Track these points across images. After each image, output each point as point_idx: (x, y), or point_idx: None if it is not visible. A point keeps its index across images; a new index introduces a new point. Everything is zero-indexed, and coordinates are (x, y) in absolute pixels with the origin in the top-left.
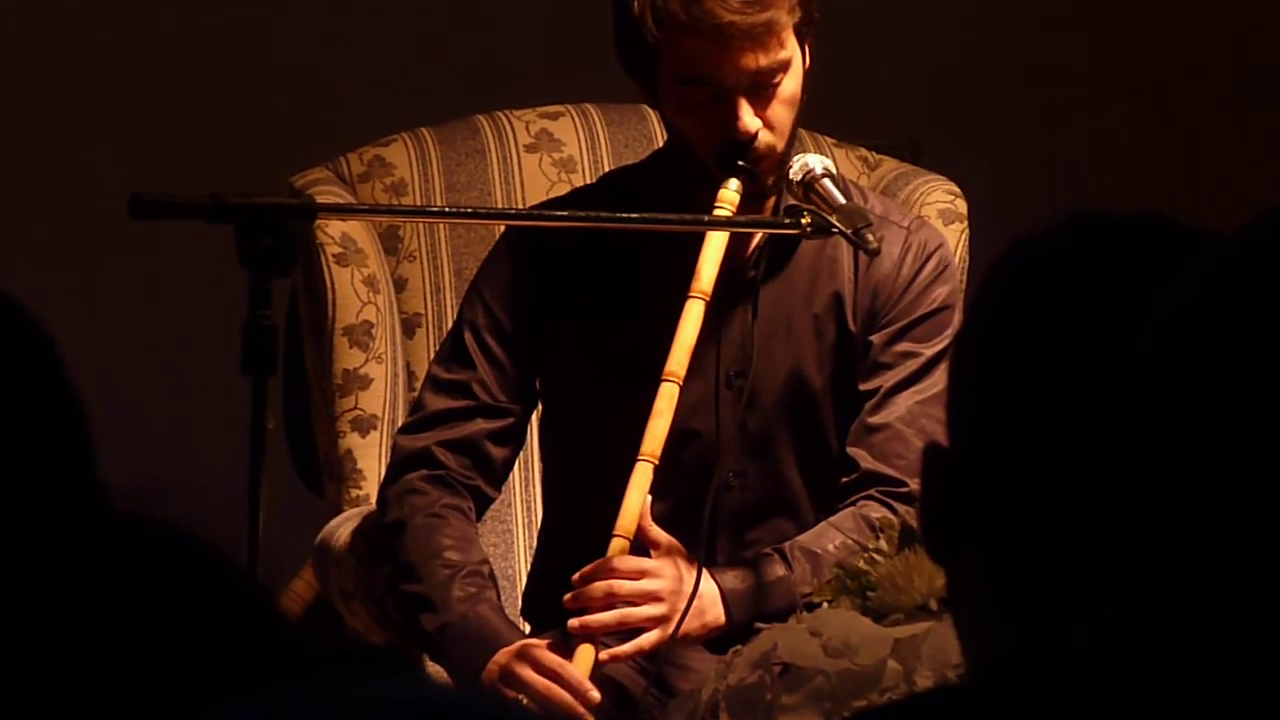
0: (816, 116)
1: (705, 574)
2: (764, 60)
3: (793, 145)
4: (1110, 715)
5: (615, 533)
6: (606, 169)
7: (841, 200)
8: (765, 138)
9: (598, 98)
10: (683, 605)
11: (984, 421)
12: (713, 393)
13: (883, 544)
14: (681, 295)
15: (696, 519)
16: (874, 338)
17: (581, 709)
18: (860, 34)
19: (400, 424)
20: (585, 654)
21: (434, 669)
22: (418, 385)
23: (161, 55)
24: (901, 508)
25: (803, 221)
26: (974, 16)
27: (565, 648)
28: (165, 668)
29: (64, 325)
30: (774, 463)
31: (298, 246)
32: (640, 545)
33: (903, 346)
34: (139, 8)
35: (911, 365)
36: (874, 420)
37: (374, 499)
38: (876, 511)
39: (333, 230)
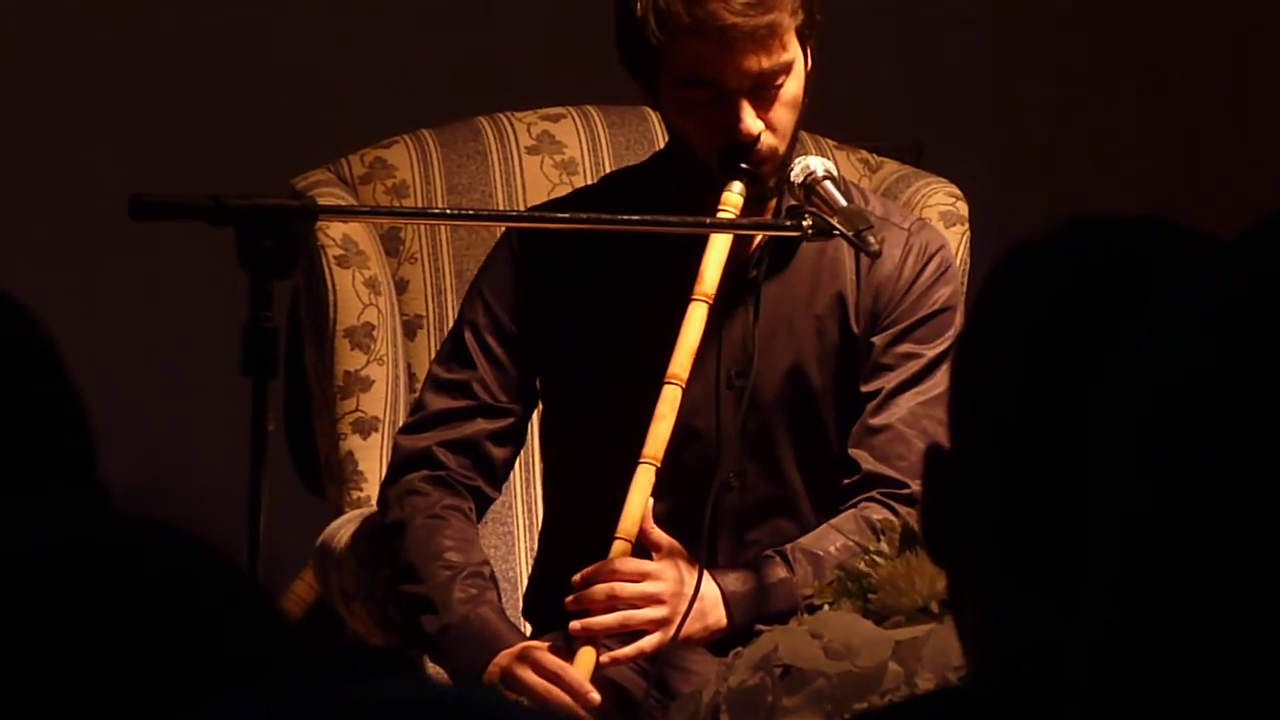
0: (818, 118)
1: (707, 576)
2: (766, 62)
3: (794, 147)
4: (1110, 716)
5: (617, 535)
6: (608, 171)
7: (843, 202)
8: (767, 140)
9: (599, 99)
10: (684, 608)
11: (985, 424)
12: (713, 393)
13: (884, 546)
14: (683, 297)
15: (697, 519)
16: (875, 339)
17: (582, 711)
18: (862, 36)
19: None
20: (586, 656)
21: (434, 670)
22: (419, 387)
23: (162, 56)
24: (903, 509)
25: (804, 224)
26: (975, 18)
27: (566, 650)
28: (165, 668)
29: (64, 326)
30: (774, 463)
31: (299, 248)
32: (642, 548)
33: (904, 348)
34: (139, 8)
35: (913, 366)
36: (875, 421)
37: (375, 501)
38: (878, 513)
39: (334, 232)
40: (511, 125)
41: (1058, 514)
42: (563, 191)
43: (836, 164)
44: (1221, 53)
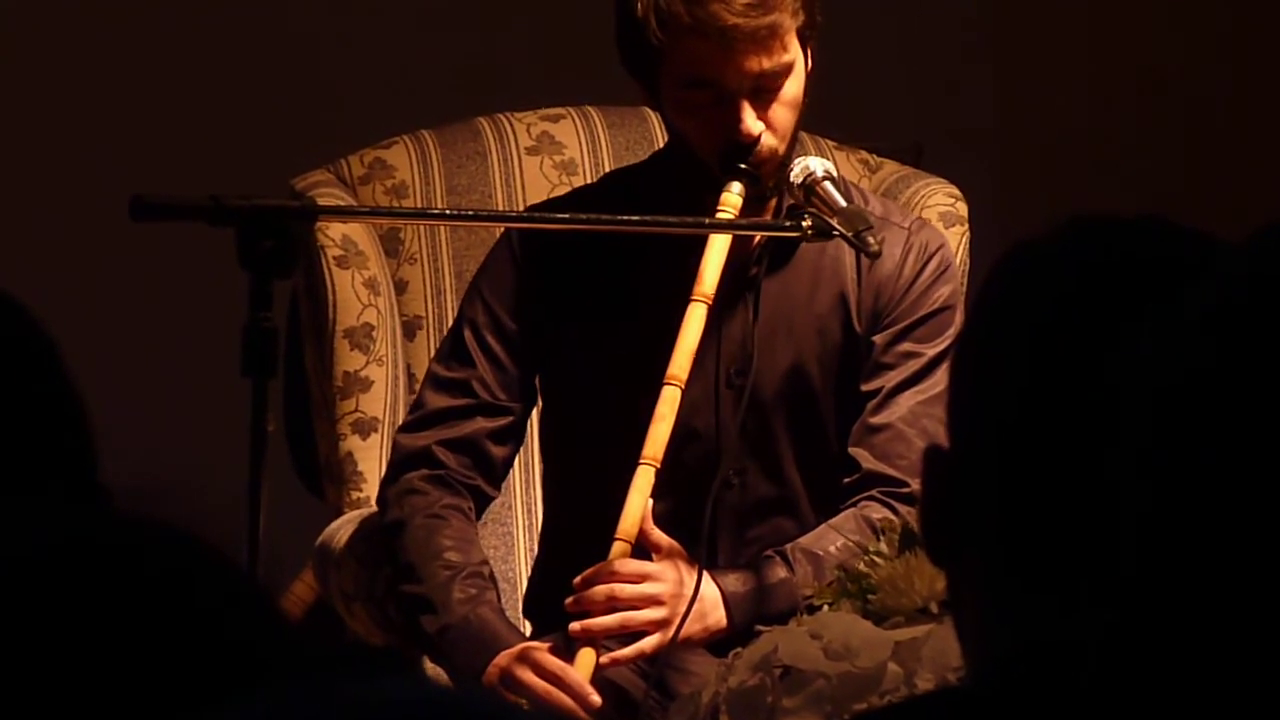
0: (818, 119)
1: (707, 577)
2: (767, 63)
3: (794, 148)
4: (1121, 712)
5: (616, 536)
6: (607, 171)
7: (842, 203)
8: (767, 140)
9: (599, 100)
10: (683, 609)
11: (984, 424)
12: (713, 392)
13: (883, 546)
14: (682, 297)
15: (697, 518)
16: (876, 338)
17: (583, 713)
18: (862, 36)
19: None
20: (586, 657)
21: (434, 670)
22: (418, 388)
23: (162, 56)
24: (903, 508)
25: (803, 224)
26: (975, 19)
27: (566, 651)
28: (166, 668)
29: (65, 326)
30: (774, 461)
31: (298, 249)
32: (642, 549)
33: (905, 347)
34: (139, 9)
35: (913, 365)
36: (876, 420)
37: (374, 501)
38: (878, 512)
39: (334, 232)
40: (511, 126)
41: (1057, 514)
42: (562, 192)
43: (836, 164)
44: (1221, 53)
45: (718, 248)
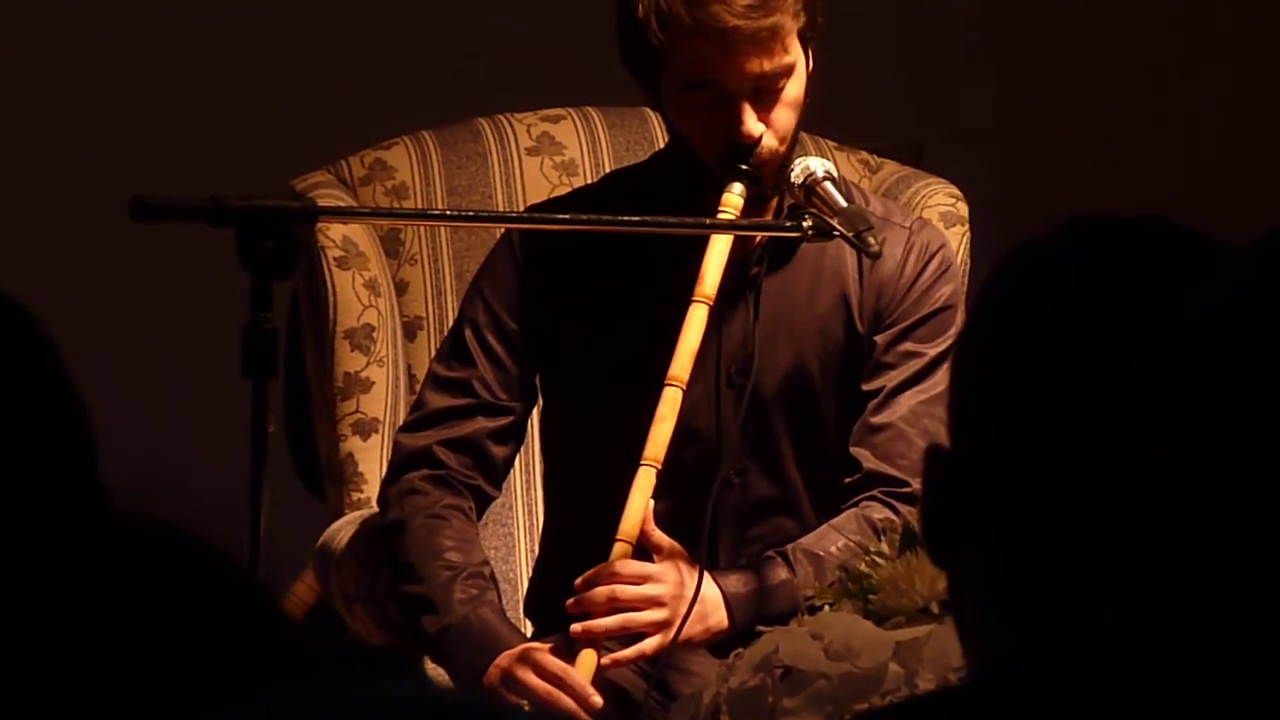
0: (818, 119)
1: (708, 578)
2: (768, 65)
3: (795, 149)
4: (1122, 712)
5: (618, 537)
6: (608, 172)
7: (843, 203)
8: (768, 142)
9: (599, 100)
10: (684, 610)
11: (985, 424)
12: (713, 391)
13: (884, 546)
14: (683, 297)
15: (698, 517)
16: (877, 338)
17: (584, 713)
18: (862, 37)
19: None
20: (587, 659)
21: (434, 671)
22: (419, 388)
23: (163, 57)
24: (904, 508)
25: (804, 224)
26: (975, 20)
27: (567, 652)
28: (166, 668)
29: (65, 327)
30: (775, 461)
31: (299, 249)
32: (643, 550)
33: (906, 346)
34: (140, 9)
35: (914, 365)
36: (877, 420)
37: (375, 502)
38: (879, 512)
39: (334, 233)
40: (511, 126)
41: (1057, 514)
42: (563, 193)
43: (837, 165)
44: (1221, 53)
45: (719, 249)
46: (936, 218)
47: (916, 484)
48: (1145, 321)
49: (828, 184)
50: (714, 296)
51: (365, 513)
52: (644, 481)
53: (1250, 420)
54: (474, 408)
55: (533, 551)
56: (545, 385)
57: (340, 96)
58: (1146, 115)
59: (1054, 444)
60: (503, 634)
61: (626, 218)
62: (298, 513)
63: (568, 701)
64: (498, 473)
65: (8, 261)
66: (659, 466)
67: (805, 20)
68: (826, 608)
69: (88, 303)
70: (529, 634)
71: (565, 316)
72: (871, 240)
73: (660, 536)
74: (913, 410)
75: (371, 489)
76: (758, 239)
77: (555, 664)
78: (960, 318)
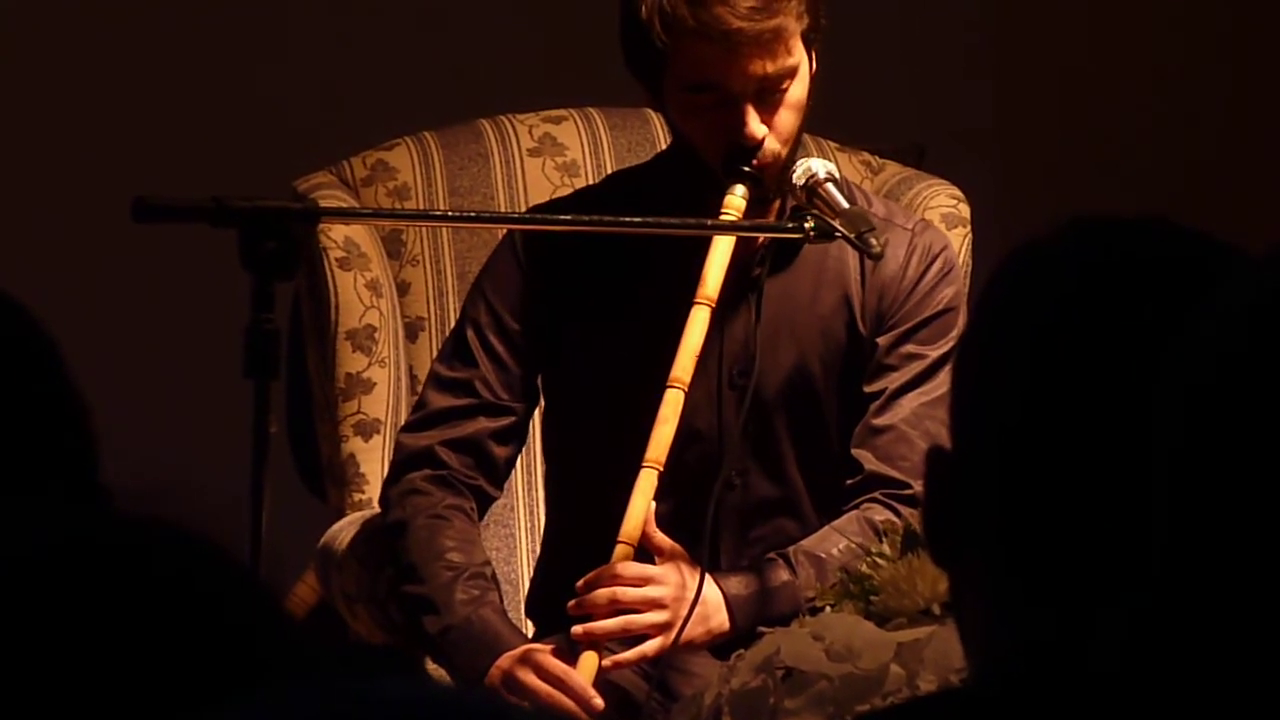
0: (820, 120)
1: (709, 580)
2: (771, 67)
3: (797, 150)
4: (1123, 712)
5: (619, 539)
6: (610, 172)
7: (845, 204)
8: (771, 144)
9: (601, 101)
10: (686, 611)
11: (986, 425)
12: (715, 392)
13: (886, 548)
14: (686, 299)
15: (699, 518)
16: (879, 340)
17: (585, 715)
18: (864, 38)
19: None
20: (589, 660)
21: (435, 671)
22: (421, 389)
23: (164, 57)
24: (905, 510)
25: (806, 225)
26: (977, 21)
27: (569, 652)
28: (167, 668)
29: (66, 327)
30: (776, 462)
31: (301, 250)
32: (644, 552)
33: (908, 348)
34: (141, 10)
35: (917, 367)
36: (879, 422)
37: (377, 502)
38: (880, 514)
39: (336, 234)
40: (513, 127)
41: (1059, 515)
42: (565, 194)
43: (838, 166)
44: (1221, 53)
45: (721, 250)
46: (938, 219)
47: (918, 486)
48: (1146, 322)
49: (830, 185)
50: (716, 298)
51: (367, 513)
52: (646, 483)
53: (1250, 421)
54: (476, 408)
55: (534, 552)
56: (547, 386)
57: (342, 97)
58: (1146, 115)
59: (1055, 445)
60: (504, 635)
61: (628, 219)
62: (299, 513)
63: (569, 703)
64: (499, 473)
65: (8, 261)
66: (661, 468)
67: (808, 22)
68: (828, 609)
69: (89, 303)
70: (530, 635)
71: (567, 317)
72: (873, 241)
73: (662, 539)
74: (914, 412)
75: (373, 489)
76: (760, 240)
77: (557, 665)
78: (962, 320)
